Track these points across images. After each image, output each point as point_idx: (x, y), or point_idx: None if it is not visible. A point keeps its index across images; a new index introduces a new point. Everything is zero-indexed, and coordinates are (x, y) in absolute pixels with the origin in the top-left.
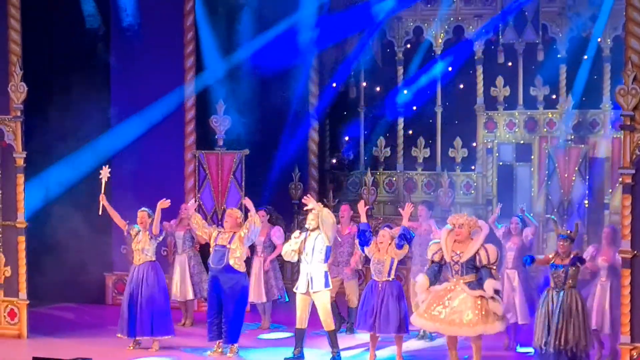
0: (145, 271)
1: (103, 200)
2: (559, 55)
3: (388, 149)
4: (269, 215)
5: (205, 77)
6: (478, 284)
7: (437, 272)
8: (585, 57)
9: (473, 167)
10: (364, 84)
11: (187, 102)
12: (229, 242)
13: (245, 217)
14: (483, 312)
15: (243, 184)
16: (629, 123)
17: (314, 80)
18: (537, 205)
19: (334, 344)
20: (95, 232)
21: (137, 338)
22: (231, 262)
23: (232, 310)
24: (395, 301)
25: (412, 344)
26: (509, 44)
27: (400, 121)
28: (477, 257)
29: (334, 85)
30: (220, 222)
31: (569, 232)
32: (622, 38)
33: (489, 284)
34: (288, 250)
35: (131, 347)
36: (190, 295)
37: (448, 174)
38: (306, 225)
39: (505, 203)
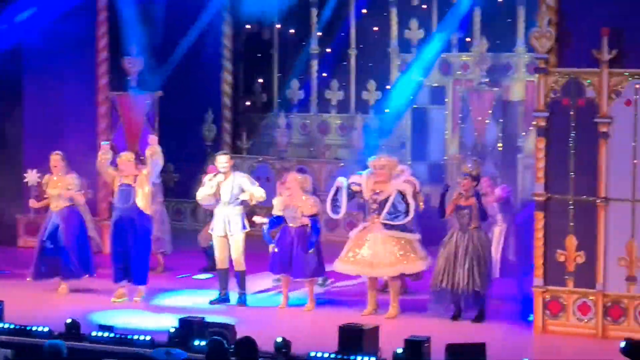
0: (65, 217)
1: (34, 205)
2: None
3: (302, 92)
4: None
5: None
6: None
7: (350, 196)
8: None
9: (387, 110)
10: (278, 25)
11: (100, 42)
12: (134, 181)
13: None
14: (402, 252)
15: (156, 125)
16: (543, 66)
17: (227, 22)
18: (451, 148)
19: (242, 285)
20: (6, 174)
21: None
22: (138, 201)
23: (139, 251)
24: (308, 246)
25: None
26: None
27: (314, 63)
28: (402, 194)
29: (248, 27)
30: None
31: (470, 170)
32: None
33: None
34: (204, 195)
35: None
36: None
37: (362, 116)
38: (220, 169)
39: (419, 146)
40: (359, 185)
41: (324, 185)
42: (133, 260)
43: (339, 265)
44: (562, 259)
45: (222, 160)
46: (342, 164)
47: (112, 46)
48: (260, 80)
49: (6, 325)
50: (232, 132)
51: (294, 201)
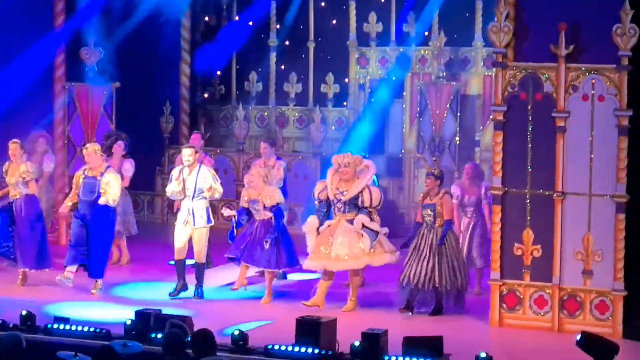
0: (22, 205)
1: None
2: None
3: (260, 84)
4: (125, 151)
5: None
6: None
7: (326, 210)
8: None
9: (345, 103)
10: (237, 17)
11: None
12: (101, 175)
13: None
14: (368, 245)
15: (114, 117)
16: (501, 60)
17: (186, 13)
18: (409, 142)
19: (200, 278)
20: None
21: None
22: (102, 195)
23: (100, 245)
24: (267, 237)
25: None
26: None
27: (273, 56)
28: (360, 198)
29: (207, 19)
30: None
31: (432, 169)
32: None
33: (359, 219)
34: (173, 191)
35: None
36: None
37: (320, 109)
38: (184, 162)
39: (377, 139)
40: (325, 189)
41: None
42: (92, 253)
43: (306, 263)
44: (519, 252)
45: (186, 153)
46: (300, 157)
47: (70, 36)
48: (219, 72)
49: None
50: (190, 124)
51: (257, 194)
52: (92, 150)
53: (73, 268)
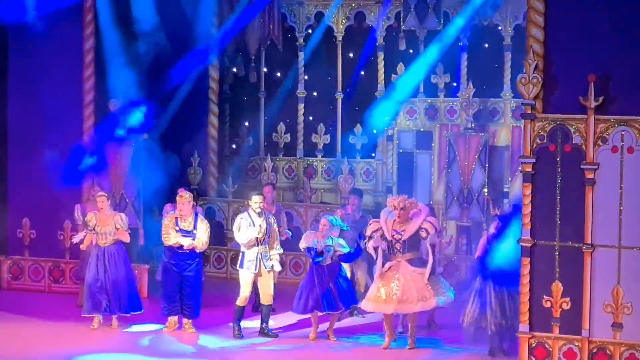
0: (115, 251)
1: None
2: (460, 43)
3: (288, 135)
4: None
5: (106, 63)
6: (419, 261)
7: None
8: (486, 45)
9: (373, 155)
10: (265, 69)
11: (86, 84)
12: (194, 228)
13: None
14: (431, 288)
15: (141, 168)
16: (529, 112)
17: (214, 65)
18: (437, 193)
19: (235, 318)
20: None
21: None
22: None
23: (194, 289)
24: (337, 281)
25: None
26: (410, 31)
27: (301, 107)
28: (422, 231)
29: (235, 70)
30: (117, 207)
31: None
32: (523, 27)
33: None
34: (252, 238)
35: (95, 326)
36: None
37: (348, 160)
38: (254, 208)
39: (405, 191)
40: (379, 229)
41: (309, 229)
42: (187, 296)
43: (368, 305)
44: (548, 304)
45: (257, 200)
46: (328, 208)
47: (98, 88)
48: (247, 124)
49: None
50: (218, 176)
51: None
52: (186, 199)
53: (172, 320)
